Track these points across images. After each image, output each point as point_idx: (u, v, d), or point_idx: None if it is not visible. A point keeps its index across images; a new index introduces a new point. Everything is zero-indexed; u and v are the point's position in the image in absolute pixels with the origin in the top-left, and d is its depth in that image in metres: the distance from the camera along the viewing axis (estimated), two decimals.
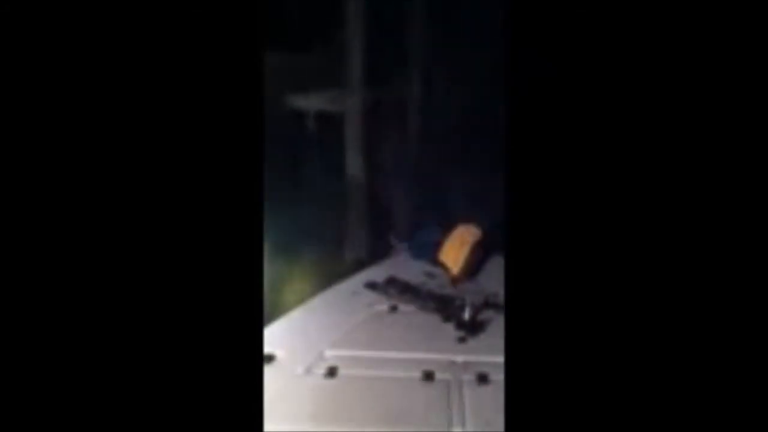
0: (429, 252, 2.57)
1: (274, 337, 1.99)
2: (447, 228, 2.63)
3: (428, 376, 1.77)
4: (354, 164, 3.71)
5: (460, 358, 1.87)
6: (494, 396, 1.61)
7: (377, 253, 2.90)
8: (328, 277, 2.44)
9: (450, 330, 2.07)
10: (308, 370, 1.81)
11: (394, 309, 2.22)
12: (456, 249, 2.51)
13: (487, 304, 2.17)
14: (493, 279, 2.43)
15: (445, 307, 2.19)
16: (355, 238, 3.61)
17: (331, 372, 1.80)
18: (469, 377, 1.75)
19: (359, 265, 2.68)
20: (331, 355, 1.90)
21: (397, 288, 2.34)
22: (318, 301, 2.26)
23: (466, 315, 2.09)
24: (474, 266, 2.49)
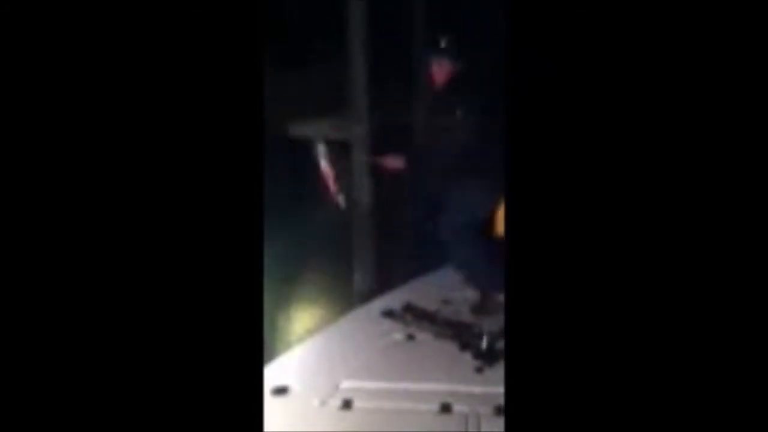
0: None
1: (288, 368, 1.95)
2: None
3: (445, 409, 1.73)
4: (361, 191, 3.69)
5: (477, 389, 1.83)
6: None
7: (390, 279, 2.84)
8: (340, 305, 2.40)
9: (467, 359, 2.03)
10: (323, 402, 1.78)
11: (411, 337, 2.19)
12: None
13: None
14: None
15: (462, 334, 2.15)
16: (363, 266, 3.57)
17: (347, 404, 1.77)
18: (486, 409, 1.71)
19: (370, 292, 2.63)
20: (347, 386, 1.87)
21: (413, 315, 2.30)
22: (333, 330, 2.22)
23: (484, 344, 2.06)
24: None
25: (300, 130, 3.88)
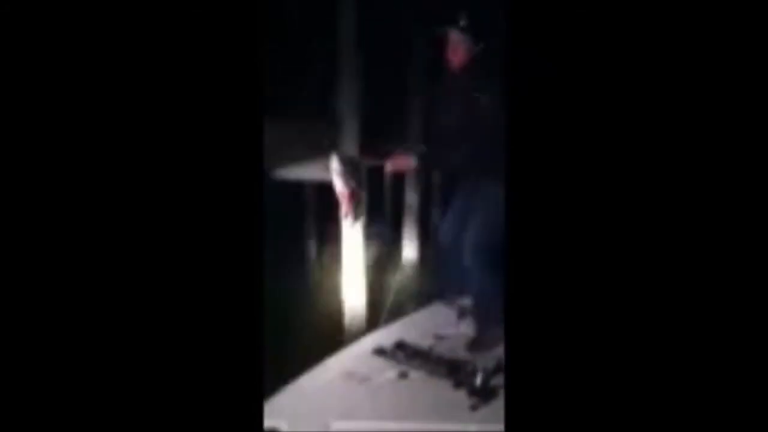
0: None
1: (278, 408, 1.88)
2: None
3: None
4: (352, 233, 3.67)
5: (473, 428, 1.77)
6: None
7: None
8: (331, 344, 2.34)
9: (462, 397, 1.97)
10: None
11: (404, 375, 2.13)
12: None
13: (499, 369, 2.07)
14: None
15: (456, 372, 2.09)
16: (353, 306, 3.52)
17: None
18: None
19: (362, 331, 2.57)
20: (338, 428, 1.80)
21: (406, 353, 2.24)
22: (324, 368, 2.15)
23: (478, 381, 2.00)
24: None
25: (291, 172, 3.90)
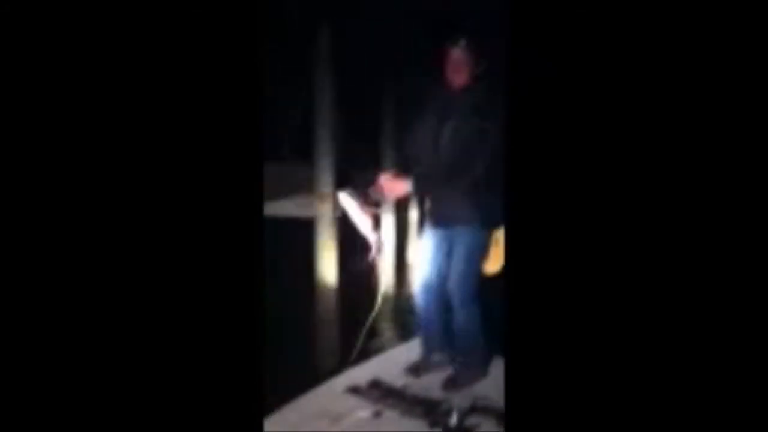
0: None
1: None
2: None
3: None
4: (325, 269, 3.63)
5: None
6: None
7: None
8: (299, 383, 2.26)
9: None
10: None
11: (377, 414, 2.07)
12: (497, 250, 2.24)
13: (474, 409, 2.04)
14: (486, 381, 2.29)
15: (431, 411, 2.05)
16: (326, 344, 3.46)
17: None
18: None
19: (334, 370, 2.51)
20: None
21: (380, 392, 2.19)
22: (295, 408, 2.08)
23: (454, 420, 1.97)
24: None
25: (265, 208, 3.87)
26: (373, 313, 2.31)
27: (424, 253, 2.39)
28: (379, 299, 2.28)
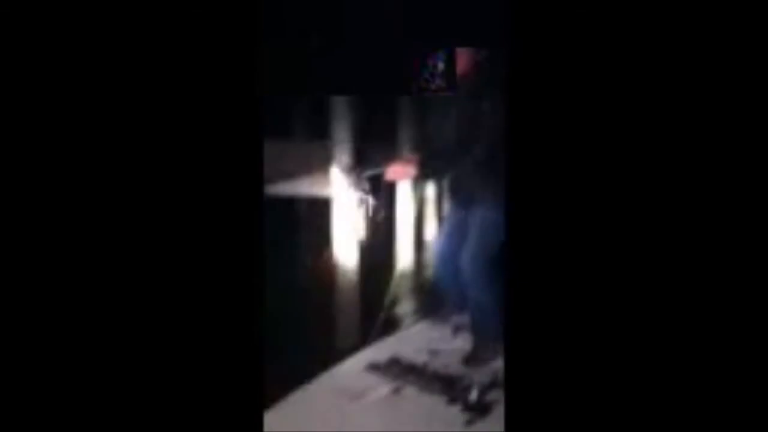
0: None
1: (270, 427, 1.83)
2: None
3: None
4: (344, 248, 3.64)
5: None
6: None
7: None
8: (322, 362, 2.29)
9: (457, 412, 1.94)
10: None
11: (397, 391, 2.09)
12: None
13: (494, 384, 2.04)
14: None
15: (450, 387, 2.06)
16: (346, 324, 3.48)
17: None
18: None
19: (354, 348, 2.53)
20: None
21: (400, 368, 2.21)
22: (316, 386, 2.11)
23: (474, 396, 1.98)
24: None
25: (282, 188, 3.88)
26: (391, 290, 2.32)
27: (443, 228, 2.41)
28: (397, 275, 2.29)
